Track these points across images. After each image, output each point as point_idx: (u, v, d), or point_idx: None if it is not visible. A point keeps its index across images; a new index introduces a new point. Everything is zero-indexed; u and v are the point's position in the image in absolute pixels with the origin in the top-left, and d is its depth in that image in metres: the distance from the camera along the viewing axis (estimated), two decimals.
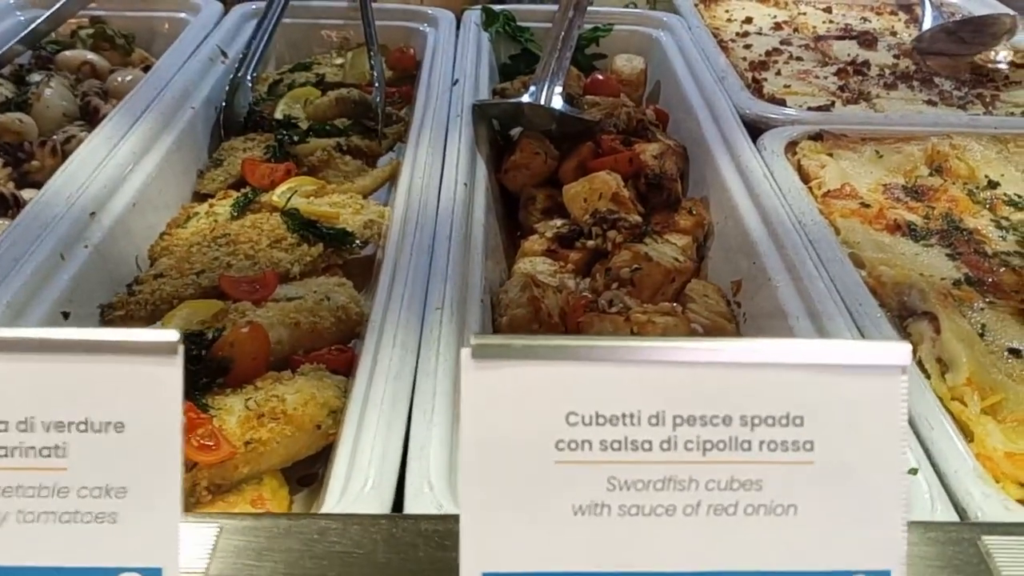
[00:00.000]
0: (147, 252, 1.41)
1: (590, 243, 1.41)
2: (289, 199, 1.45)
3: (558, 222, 1.51)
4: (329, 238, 1.40)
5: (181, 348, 0.61)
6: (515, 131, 1.79)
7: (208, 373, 1.10)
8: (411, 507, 0.85)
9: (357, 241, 1.42)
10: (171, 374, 0.61)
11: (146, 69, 1.95)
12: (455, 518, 0.60)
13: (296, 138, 1.66)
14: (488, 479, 0.59)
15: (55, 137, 1.61)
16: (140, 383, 0.61)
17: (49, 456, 0.61)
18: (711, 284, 1.37)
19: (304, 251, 1.37)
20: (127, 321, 1.26)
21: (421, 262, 1.25)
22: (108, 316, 1.26)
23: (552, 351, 0.60)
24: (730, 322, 1.29)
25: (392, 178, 1.65)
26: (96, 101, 1.75)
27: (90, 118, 1.72)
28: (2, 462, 0.61)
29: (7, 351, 0.61)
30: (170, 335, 0.61)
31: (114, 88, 1.86)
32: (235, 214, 1.46)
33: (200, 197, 1.60)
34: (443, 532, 0.76)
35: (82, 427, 0.61)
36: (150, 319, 1.26)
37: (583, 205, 1.48)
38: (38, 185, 1.54)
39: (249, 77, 1.89)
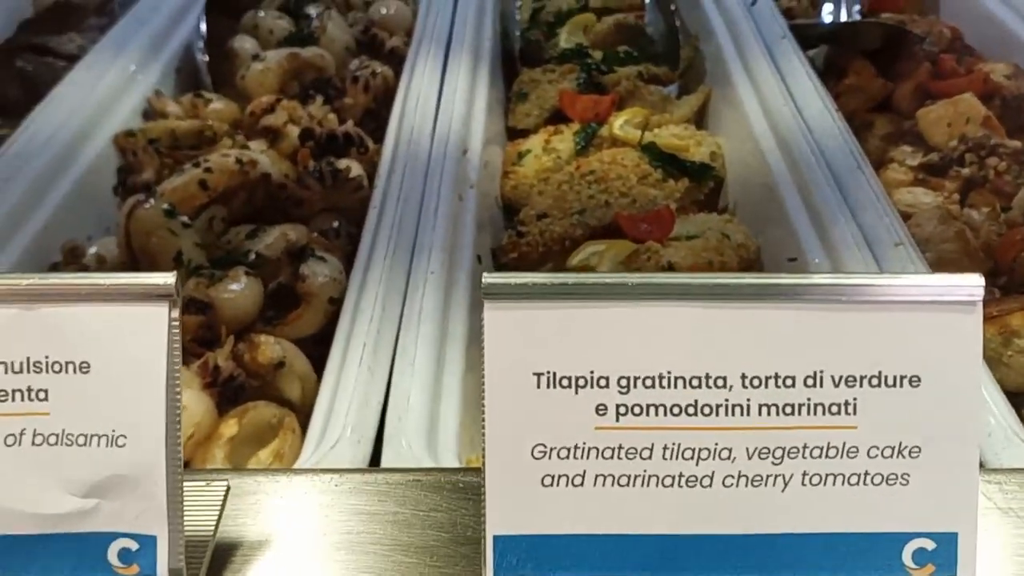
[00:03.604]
0: (498, 191, 1.36)
1: (964, 171, 1.33)
2: (642, 133, 1.38)
3: (907, 148, 1.43)
4: (691, 172, 1.33)
5: (981, 292, 0.56)
6: (811, 53, 1.69)
7: None
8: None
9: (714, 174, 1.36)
10: (971, 321, 0.56)
11: None
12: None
13: (605, 68, 1.58)
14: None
15: (359, 73, 1.55)
16: (939, 334, 0.56)
17: (838, 414, 0.56)
18: None
19: (672, 187, 1.31)
20: (521, 262, 1.21)
21: (834, 195, 1.17)
22: (502, 259, 1.21)
23: None
24: None
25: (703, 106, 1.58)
26: (382, 34, 1.68)
27: (375, 52, 1.66)
28: (790, 420, 0.56)
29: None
30: (975, 280, 0.56)
31: (379, 19, 1.79)
32: (580, 149, 1.40)
33: (514, 133, 1.54)
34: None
35: (875, 382, 0.56)
36: (541, 260, 1.22)
37: (947, 131, 1.39)
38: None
39: (516, 5, 1.82)
